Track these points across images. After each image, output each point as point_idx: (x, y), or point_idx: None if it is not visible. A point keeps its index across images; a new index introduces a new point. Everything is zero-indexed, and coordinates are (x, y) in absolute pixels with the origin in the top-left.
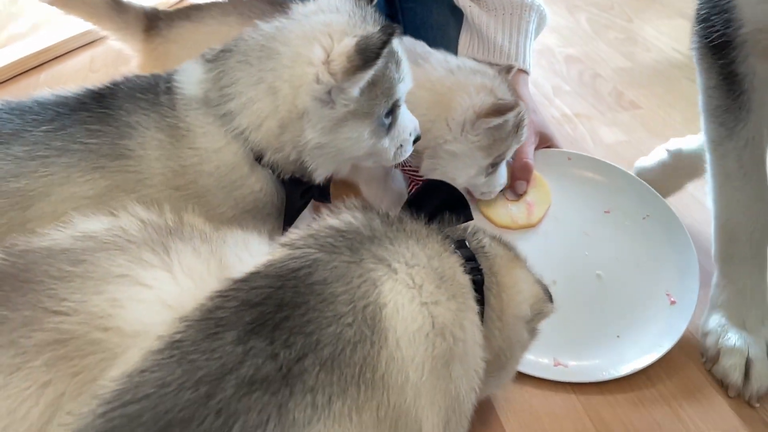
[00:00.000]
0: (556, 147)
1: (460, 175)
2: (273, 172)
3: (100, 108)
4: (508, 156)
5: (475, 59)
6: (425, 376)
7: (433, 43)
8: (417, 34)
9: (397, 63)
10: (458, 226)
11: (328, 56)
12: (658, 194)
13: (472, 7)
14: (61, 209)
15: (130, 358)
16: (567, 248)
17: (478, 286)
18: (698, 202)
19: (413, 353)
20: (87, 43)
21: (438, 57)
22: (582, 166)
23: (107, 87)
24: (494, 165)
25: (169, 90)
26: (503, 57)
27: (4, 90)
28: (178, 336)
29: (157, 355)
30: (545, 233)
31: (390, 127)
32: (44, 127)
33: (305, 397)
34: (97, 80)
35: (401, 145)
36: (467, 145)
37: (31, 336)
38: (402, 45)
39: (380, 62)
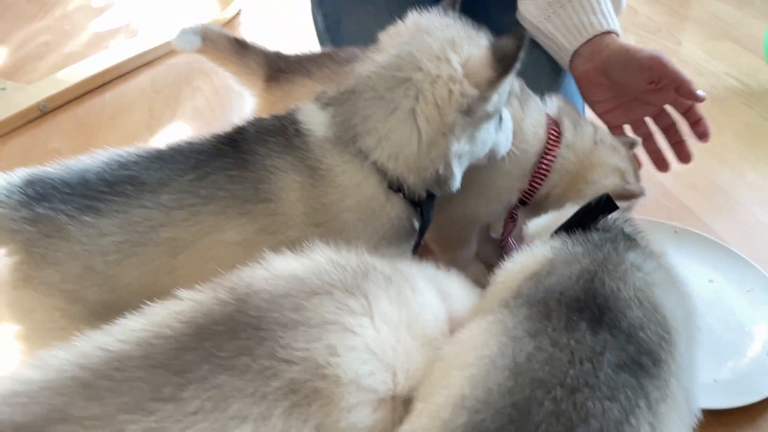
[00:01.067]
0: (672, 68)
1: None
2: (405, 195)
3: (236, 153)
4: None
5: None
6: None
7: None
8: None
9: None
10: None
11: (465, 69)
12: (762, 270)
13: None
14: (209, 255)
15: (346, 406)
16: None
17: None
18: None
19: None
20: (147, 62)
21: (588, 127)
22: (687, 239)
23: (236, 132)
24: None
25: (299, 132)
26: (594, 29)
27: (71, 110)
28: (527, 326)
29: (520, 342)
30: None
31: (500, 121)
32: (189, 176)
33: (651, 381)
34: (161, 101)
35: (508, 136)
36: None
37: (270, 385)
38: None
39: (519, 66)
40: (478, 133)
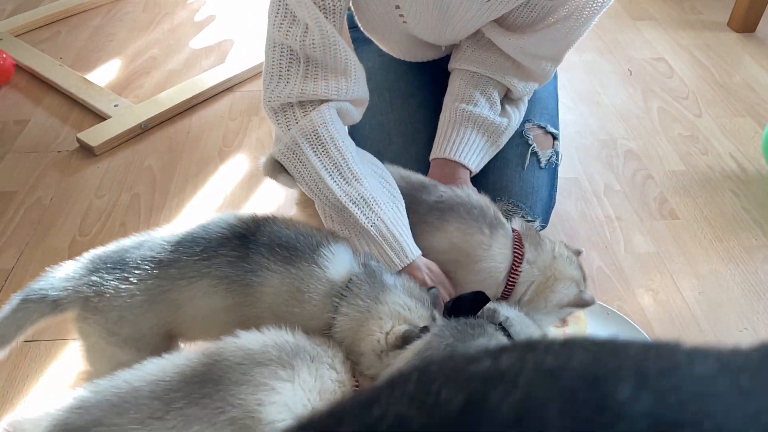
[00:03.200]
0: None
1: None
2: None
3: (242, 247)
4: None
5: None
6: None
7: None
8: None
9: None
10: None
11: (390, 331)
12: None
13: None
14: (199, 312)
15: None
16: None
17: None
18: None
19: None
20: (229, 87)
21: (547, 244)
22: (615, 321)
23: (249, 228)
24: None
25: (313, 261)
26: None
27: (165, 129)
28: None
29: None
30: None
31: None
32: (195, 258)
33: None
34: (233, 129)
35: None
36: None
37: (219, 418)
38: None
39: None
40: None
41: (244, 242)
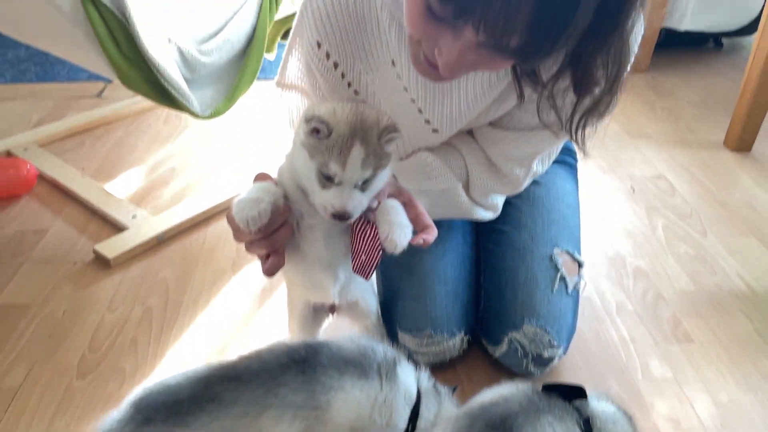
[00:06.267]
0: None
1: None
2: None
3: (306, 372)
4: (332, 172)
5: None
6: None
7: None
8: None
9: None
10: (582, 402)
11: None
12: None
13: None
14: None
15: None
16: None
17: None
18: None
19: None
20: None
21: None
22: None
23: (306, 352)
24: (327, 178)
25: (388, 377)
26: None
27: (180, 241)
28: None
29: None
30: None
31: None
32: (258, 391)
33: None
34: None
35: None
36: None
37: None
38: None
39: None
40: None
41: (305, 367)
